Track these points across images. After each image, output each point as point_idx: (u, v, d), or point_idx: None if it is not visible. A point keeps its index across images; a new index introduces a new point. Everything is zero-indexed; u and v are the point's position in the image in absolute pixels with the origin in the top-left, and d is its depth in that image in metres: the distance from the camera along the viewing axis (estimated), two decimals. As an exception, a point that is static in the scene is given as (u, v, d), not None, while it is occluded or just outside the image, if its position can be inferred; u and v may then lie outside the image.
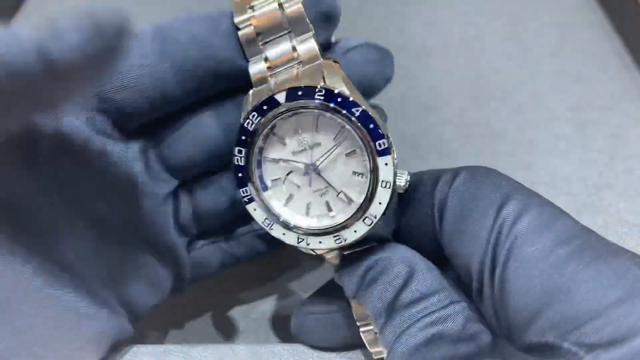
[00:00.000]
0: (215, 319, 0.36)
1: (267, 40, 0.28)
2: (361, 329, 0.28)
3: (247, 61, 0.28)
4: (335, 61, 0.28)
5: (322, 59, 0.27)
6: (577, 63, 0.51)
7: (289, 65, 0.28)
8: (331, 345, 0.30)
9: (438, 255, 0.27)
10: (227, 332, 0.36)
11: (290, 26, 0.28)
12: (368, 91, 0.31)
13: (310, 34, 0.28)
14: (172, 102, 0.29)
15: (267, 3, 0.28)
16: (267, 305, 0.37)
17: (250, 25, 0.28)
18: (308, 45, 0.28)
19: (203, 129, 0.30)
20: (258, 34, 0.28)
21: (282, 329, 0.35)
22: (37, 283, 0.26)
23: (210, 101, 0.30)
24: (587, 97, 0.49)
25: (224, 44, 0.28)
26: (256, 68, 0.28)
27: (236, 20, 0.28)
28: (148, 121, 0.29)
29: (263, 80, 0.28)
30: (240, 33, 0.28)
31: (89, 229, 0.29)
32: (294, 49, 0.28)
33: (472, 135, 0.46)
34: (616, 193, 0.42)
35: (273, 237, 0.28)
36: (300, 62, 0.28)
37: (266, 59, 0.28)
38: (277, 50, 0.28)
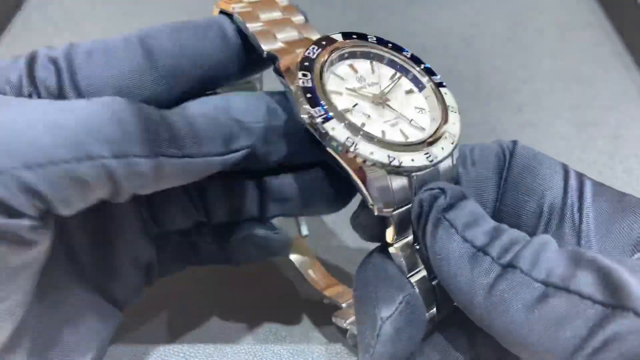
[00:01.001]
0: (215, 319, 0.36)
1: (271, 23, 0.28)
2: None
3: (240, 64, 0.28)
4: None
5: None
6: (577, 63, 0.51)
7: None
8: None
9: None
10: (227, 332, 0.36)
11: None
12: None
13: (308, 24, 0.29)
14: (160, 105, 0.27)
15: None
16: (267, 306, 0.37)
17: (250, 15, 0.28)
18: (312, 33, 0.29)
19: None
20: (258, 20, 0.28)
21: (282, 329, 0.35)
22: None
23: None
24: (587, 97, 0.49)
25: (211, 50, 0.27)
26: (272, 45, 0.27)
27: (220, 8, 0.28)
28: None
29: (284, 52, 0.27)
30: (252, 30, 0.27)
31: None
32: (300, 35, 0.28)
33: (472, 136, 0.46)
34: (616, 193, 0.42)
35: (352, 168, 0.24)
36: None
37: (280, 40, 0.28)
38: (287, 34, 0.28)
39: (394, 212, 0.24)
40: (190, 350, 0.31)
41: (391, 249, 0.25)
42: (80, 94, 0.25)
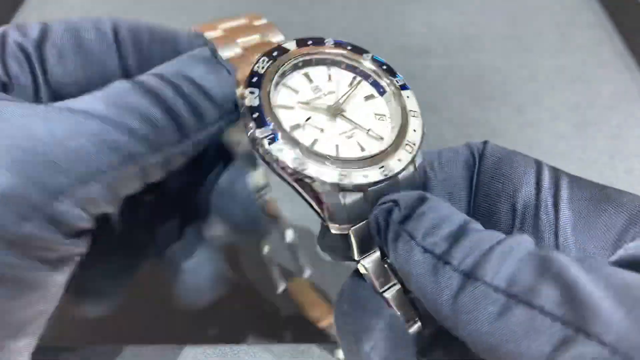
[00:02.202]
0: (216, 319, 0.36)
1: (234, 31, 0.27)
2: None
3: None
4: None
5: None
6: (577, 63, 0.51)
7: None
8: None
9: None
10: (227, 332, 0.36)
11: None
12: None
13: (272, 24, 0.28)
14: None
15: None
16: (267, 306, 0.37)
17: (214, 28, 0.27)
18: (276, 35, 0.27)
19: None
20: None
21: (283, 329, 0.35)
22: None
23: None
24: (588, 97, 0.49)
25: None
26: (230, 51, 0.26)
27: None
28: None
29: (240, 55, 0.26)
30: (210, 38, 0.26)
31: None
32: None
33: (472, 135, 0.46)
34: (616, 193, 0.42)
35: (298, 189, 0.24)
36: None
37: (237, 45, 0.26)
38: (249, 40, 0.27)
39: (352, 229, 0.23)
40: (191, 350, 0.31)
41: (359, 267, 0.24)
42: (52, 91, 0.25)
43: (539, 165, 0.26)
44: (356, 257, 0.24)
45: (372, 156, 0.24)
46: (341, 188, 0.23)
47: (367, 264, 0.24)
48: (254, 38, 0.27)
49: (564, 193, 0.25)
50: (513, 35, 0.54)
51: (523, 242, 0.20)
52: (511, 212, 0.25)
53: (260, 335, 0.35)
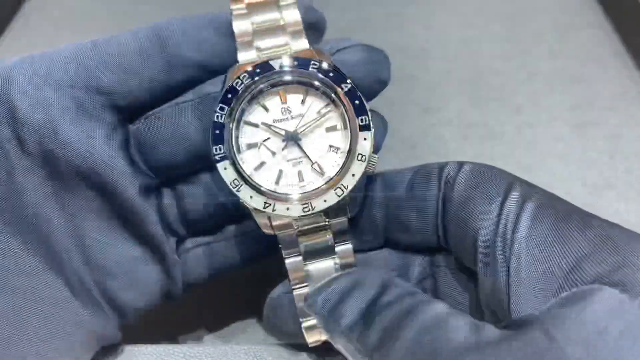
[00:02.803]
0: (215, 319, 0.36)
1: (260, 29, 0.29)
2: (302, 322, 0.29)
3: (236, 49, 0.29)
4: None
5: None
6: (577, 63, 0.51)
7: (279, 49, 0.29)
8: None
9: (431, 245, 0.29)
10: (227, 332, 0.36)
11: (284, 22, 0.29)
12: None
13: (302, 28, 0.29)
14: (160, 89, 0.29)
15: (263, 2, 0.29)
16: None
17: (246, 16, 0.29)
18: (301, 41, 0.29)
19: (183, 128, 0.30)
20: (251, 24, 0.29)
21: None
22: (31, 264, 0.27)
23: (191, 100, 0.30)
24: (587, 97, 0.49)
25: (216, 36, 0.29)
26: (246, 55, 0.29)
27: (232, 7, 0.29)
28: (134, 109, 0.30)
29: (252, 60, 0.29)
30: (234, 22, 0.29)
31: (70, 219, 0.28)
32: (286, 44, 0.29)
33: (471, 136, 0.46)
34: (616, 193, 0.42)
35: (242, 207, 0.28)
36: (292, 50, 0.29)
37: (258, 48, 0.29)
38: (270, 42, 0.29)
39: (277, 232, 0.28)
40: (190, 351, 0.31)
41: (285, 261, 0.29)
42: None
43: (507, 192, 0.26)
44: (283, 254, 0.29)
45: (301, 194, 0.28)
46: (267, 215, 0.27)
47: (289, 262, 0.29)
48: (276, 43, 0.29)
49: (523, 228, 0.25)
50: (512, 36, 0.54)
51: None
52: (474, 249, 0.26)
53: (261, 335, 0.35)
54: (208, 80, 0.30)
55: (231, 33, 0.29)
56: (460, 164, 0.28)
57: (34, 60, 0.28)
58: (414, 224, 0.29)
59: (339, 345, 0.25)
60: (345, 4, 0.58)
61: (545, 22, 0.55)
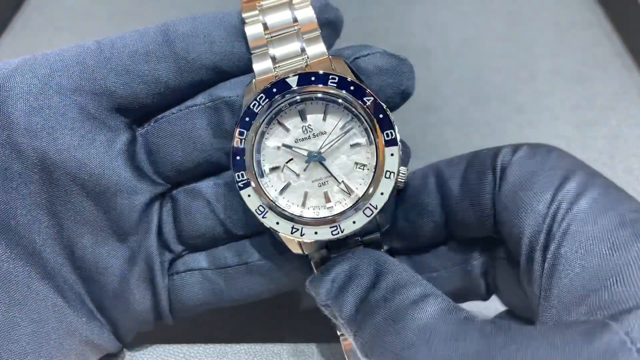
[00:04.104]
0: (215, 319, 0.36)
1: (275, 36, 0.28)
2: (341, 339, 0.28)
3: (250, 54, 0.28)
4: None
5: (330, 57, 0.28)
6: (577, 63, 0.51)
7: (295, 60, 0.28)
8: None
9: (491, 236, 0.27)
10: (227, 332, 0.36)
11: (298, 25, 0.28)
12: None
13: (318, 33, 0.28)
14: (169, 92, 0.28)
15: (276, 2, 0.28)
16: (267, 305, 0.37)
17: (258, 20, 0.28)
18: (317, 46, 0.27)
19: (195, 132, 0.29)
20: (265, 29, 0.28)
21: (282, 329, 0.35)
22: (27, 275, 0.27)
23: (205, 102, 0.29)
24: (587, 97, 0.49)
25: (226, 37, 0.28)
26: (261, 65, 0.27)
27: (244, 15, 0.28)
28: (142, 112, 0.29)
29: (268, 71, 0.28)
30: (246, 27, 0.28)
31: (60, 230, 0.28)
32: (302, 50, 0.27)
33: (472, 135, 0.46)
34: (616, 193, 0.42)
35: (274, 238, 0.28)
36: (308, 57, 0.28)
37: (274, 58, 0.27)
38: (285, 49, 0.27)
39: (307, 253, 0.28)
40: (191, 351, 0.31)
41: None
42: None
43: (561, 183, 0.24)
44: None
45: (328, 217, 0.27)
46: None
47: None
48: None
49: (573, 226, 0.23)
50: (512, 35, 0.54)
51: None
52: (520, 244, 0.25)
53: (261, 335, 0.35)
54: (220, 83, 0.29)
55: (242, 34, 0.28)
56: (515, 148, 0.26)
57: (35, 62, 0.27)
58: (471, 219, 0.27)
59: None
60: (346, 3, 0.58)
61: (546, 22, 0.55)
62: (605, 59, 0.52)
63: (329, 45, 0.29)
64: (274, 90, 0.26)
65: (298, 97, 0.27)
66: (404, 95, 0.28)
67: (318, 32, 0.28)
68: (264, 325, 0.35)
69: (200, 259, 0.30)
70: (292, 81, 0.26)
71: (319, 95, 0.27)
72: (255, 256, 0.29)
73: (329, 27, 0.29)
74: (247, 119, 0.26)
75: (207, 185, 0.30)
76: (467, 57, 0.52)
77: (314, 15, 0.28)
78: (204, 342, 0.33)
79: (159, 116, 0.29)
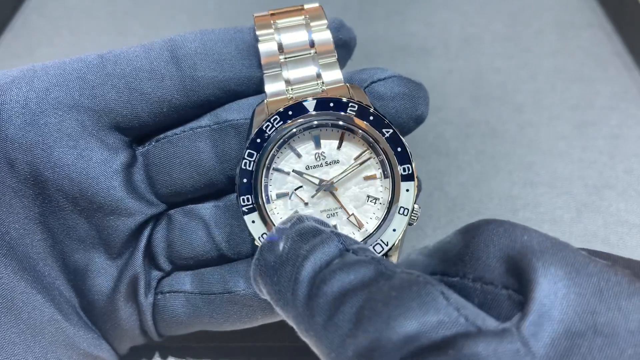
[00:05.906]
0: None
1: (289, 57, 0.27)
2: None
3: (262, 73, 0.27)
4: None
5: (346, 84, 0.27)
6: (577, 63, 0.51)
7: (310, 84, 0.27)
8: None
9: None
10: (227, 332, 0.36)
11: (314, 48, 0.27)
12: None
13: (335, 58, 0.27)
14: (172, 111, 0.27)
15: (293, 22, 0.27)
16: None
17: (273, 39, 0.27)
18: (333, 72, 0.27)
19: (198, 155, 0.28)
20: (279, 49, 0.27)
21: (283, 329, 0.35)
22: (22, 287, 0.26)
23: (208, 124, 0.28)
24: (587, 97, 0.49)
25: (237, 55, 0.27)
26: (275, 86, 0.26)
27: (258, 32, 0.27)
28: (143, 131, 0.28)
29: (281, 93, 0.27)
30: (260, 45, 0.27)
31: (53, 244, 0.27)
32: (318, 75, 0.27)
33: (472, 135, 0.46)
34: (616, 193, 0.42)
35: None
36: (323, 83, 0.27)
37: (288, 81, 0.26)
38: (300, 73, 0.26)
39: None
40: (191, 350, 0.31)
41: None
42: None
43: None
44: None
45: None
46: None
47: None
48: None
49: None
50: (512, 35, 0.54)
51: None
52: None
53: (260, 335, 0.35)
54: (227, 104, 0.28)
55: (255, 52, 0.27)
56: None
57: (34, 75, 0.26)
58: None
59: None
60: (346, 3, 0.58)
61: (546, 21, 0.55)
62: (605, 59, 0.52)
63: (341, 66, 0.28)
64: (290, 112, 0.25)
65: (315, 122, 0.25)
66: (419, 120, 0.28)
67: (335, 58, 0.27)
68: (264, 325, 0.35)
69: (185, 281, 0.29)
70: (310, 105, 0.25)
71: (336, 122, 0.25)
72: (241, 285, 0.28)
73: (343, 47, 0.28)
74: (258, 140, 0.25)
75: (206, 207, 0.29)
76: (467, 57, 0.52)
77: (332, 39, 0.27)
78: (204, 342, 0.33)
79: (161, 136, 0.28)
